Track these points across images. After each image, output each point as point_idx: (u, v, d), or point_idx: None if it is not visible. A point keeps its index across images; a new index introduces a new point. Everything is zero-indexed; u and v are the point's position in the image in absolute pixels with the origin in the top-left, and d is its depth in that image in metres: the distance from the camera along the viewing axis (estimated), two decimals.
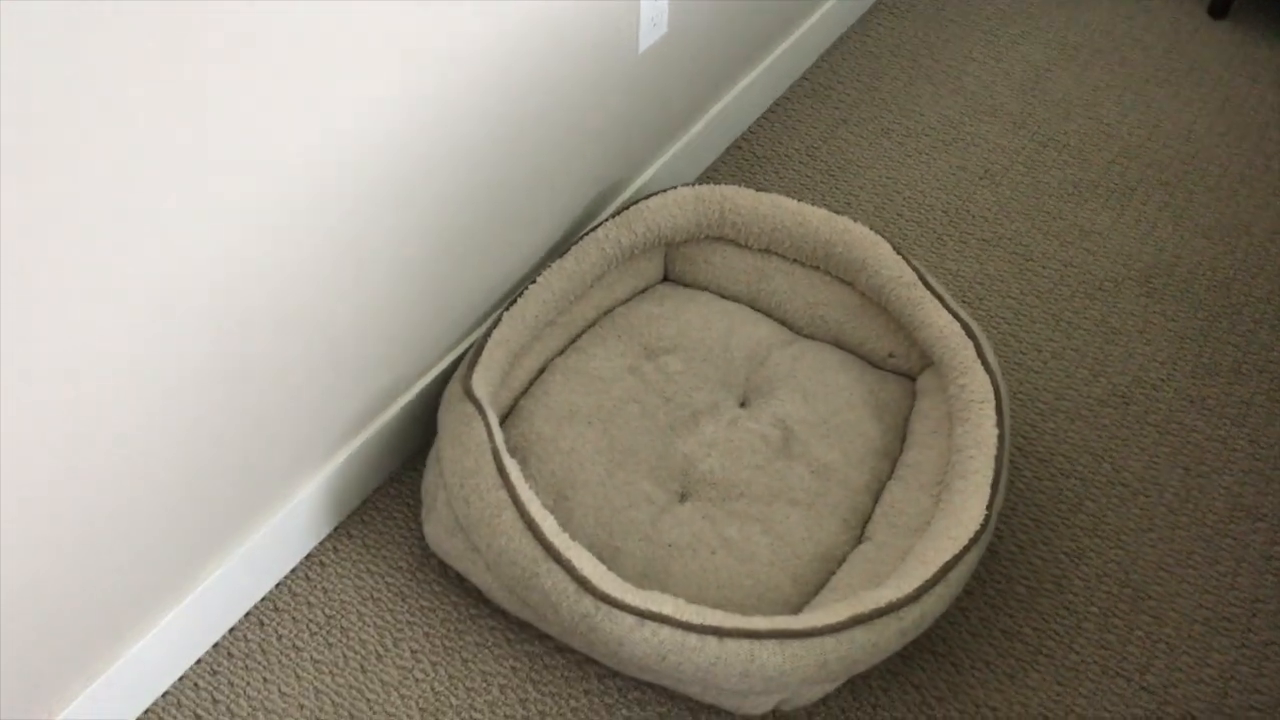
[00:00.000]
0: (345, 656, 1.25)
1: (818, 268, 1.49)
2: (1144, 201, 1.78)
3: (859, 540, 1.30)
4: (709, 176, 1.82)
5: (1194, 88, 1.98)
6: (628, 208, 1.46)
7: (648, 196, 1.48)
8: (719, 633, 1.10)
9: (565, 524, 1.28)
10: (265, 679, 1.23)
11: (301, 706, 1.21)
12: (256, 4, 0.90)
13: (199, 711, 1.20)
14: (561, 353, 1.46)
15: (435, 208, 1.23)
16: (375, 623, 1.27)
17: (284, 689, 1.22)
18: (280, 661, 1.24)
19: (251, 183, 0.98)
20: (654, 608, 1.11)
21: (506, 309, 1.35)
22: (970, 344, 1.34)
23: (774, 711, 1.22)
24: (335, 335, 1.19)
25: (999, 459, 1.25)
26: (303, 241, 1.08)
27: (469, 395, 1.25)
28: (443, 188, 1.22)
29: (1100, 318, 1.61)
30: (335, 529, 1.35)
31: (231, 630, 1.27)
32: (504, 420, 1.39)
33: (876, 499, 1.34)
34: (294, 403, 1.19)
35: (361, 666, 1.24)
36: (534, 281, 1.39)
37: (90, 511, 1.01)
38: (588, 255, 1.43)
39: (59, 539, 0.99)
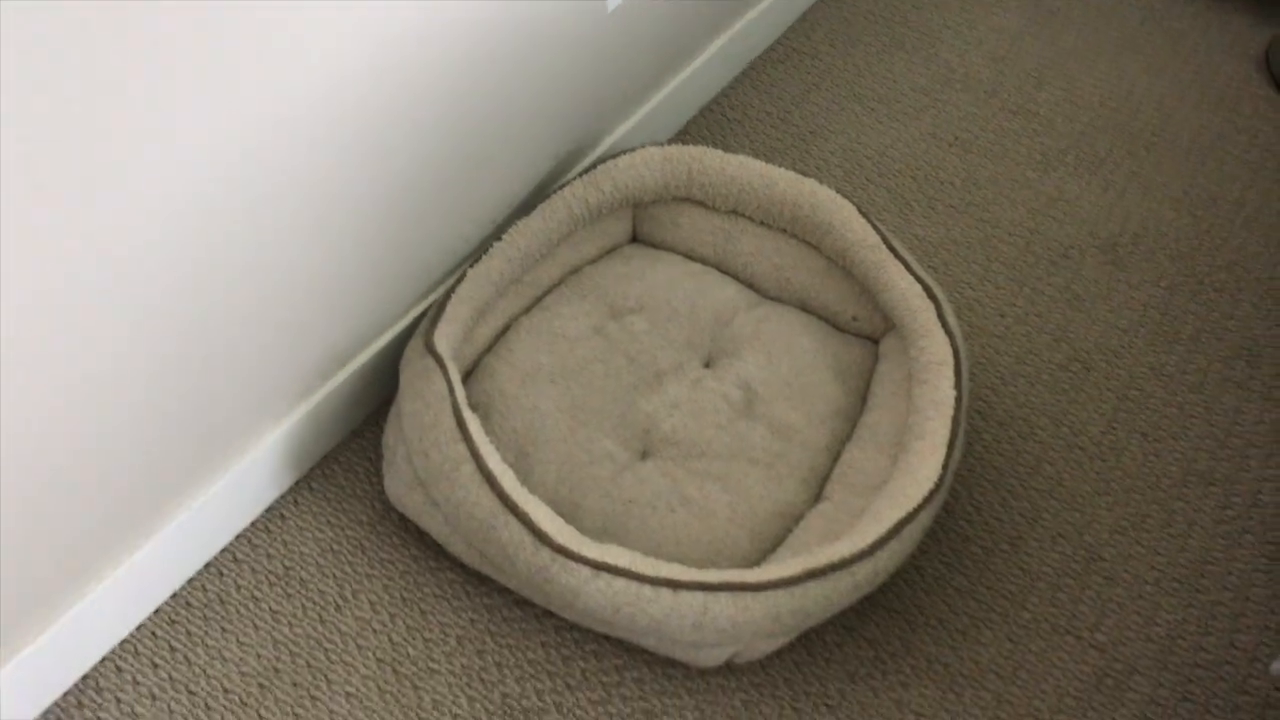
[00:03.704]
0: (304, 607, 1.25)
1: (785, 230, 1.50)
2: (1112, 170, 1.79)
3: (817, 499, 1.32)
4: (681, 138, 1.81)
5: (1168, 57, 1.98)
6: (595, 166, 1.46)
7: (616, 155, 1.47)
8: (673, 585, 1.11)
9: (526, 480, 1.29)
10: (223, 629, 1.24)
11: (259, 656, 1.22)
12: None
13: (156, 660, 1.21)
14: (527, 311, 1.46)
15: (399, 160, 1.23)
16: (334, 574, 1.28)
17: (242, 639, 1.23)
18: (239, 612, 1.25)
19: (215, 125, 0.98)
20: (610, 560, 1.12)
21: (471, 266, 1.35)
22: (931, 306, 1.34)
23: (728, 664, 1.23)
24: (296, 287, 1.19)
25: (956, 420, 1.26)
26: (264, 189, 1.07)
27: (430, 350, 1.25)
28: (406, 140, 1.22)
29: (1064, 285, 1.62)
30: (296, 482, 1.36)
31: (190, 580, 1.27)
32: (467, 377, 1.39)
33: (836, 459, 1.35)
34: (255, 354, 1.19)
35: (320, 617, 1.25)
36: (499, 239, 1.38)
37: (46, 456, 1.01)
38: (555, 214, 1.43)
39: (13, 482, 0.99)
